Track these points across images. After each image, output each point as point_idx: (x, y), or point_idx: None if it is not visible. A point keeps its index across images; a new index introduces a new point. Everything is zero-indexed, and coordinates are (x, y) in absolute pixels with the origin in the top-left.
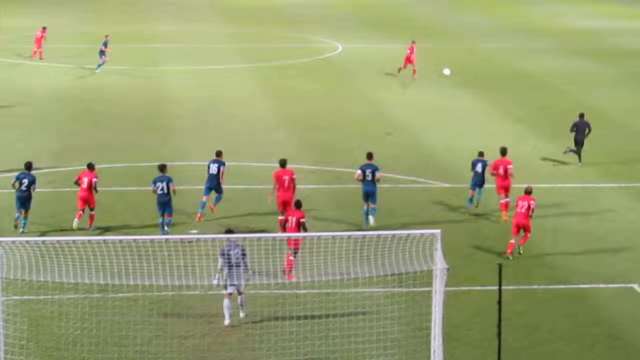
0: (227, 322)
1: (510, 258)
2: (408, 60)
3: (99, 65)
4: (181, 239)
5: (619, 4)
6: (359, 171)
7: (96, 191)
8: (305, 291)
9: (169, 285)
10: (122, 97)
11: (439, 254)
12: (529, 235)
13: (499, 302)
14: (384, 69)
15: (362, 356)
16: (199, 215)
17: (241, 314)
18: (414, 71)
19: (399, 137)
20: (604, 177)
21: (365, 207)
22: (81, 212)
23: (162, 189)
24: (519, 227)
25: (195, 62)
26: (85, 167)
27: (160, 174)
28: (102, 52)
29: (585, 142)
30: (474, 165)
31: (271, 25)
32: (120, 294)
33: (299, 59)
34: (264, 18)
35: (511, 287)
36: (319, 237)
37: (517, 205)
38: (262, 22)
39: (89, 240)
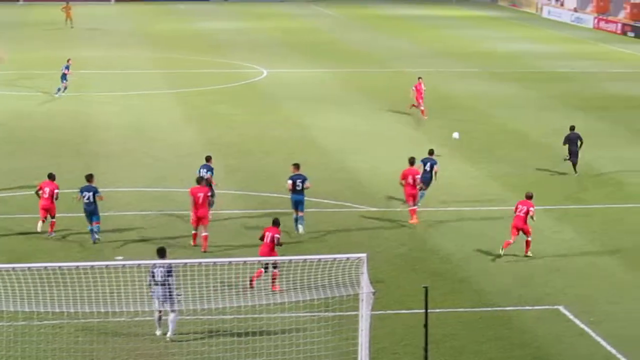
0: (158, 332)
1: (502, 254)
2: (419, 98)
3: (59, 90)
4: (106, 265)
5: (542, 28)
6: (290, 181)
7: (57, 199)
8: (232, 316)
9: (94, 312)
10: (48, 123)
11: (365, 278)
12: (529, 239)
13: (426, 325)
14: (309, 94)
15: None
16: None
17: (168, 333)
18: (422, 112)
19: (326, 161)
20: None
21: (294, 215)
22: (44, 219)
23: (89, 198)
24: (517, 230)
25: (121, 87)
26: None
27: (87, 184)
28: (64, 76)
29: (579, 153)
30: (423, 163)
31: (196, 50)
32: (46, 322)
33: (224, 84)
34: (189, 44)
35: (438, 310)
36: (244, 262)
37: (516, 209)
38: (187, 47)
39: (13, 268)
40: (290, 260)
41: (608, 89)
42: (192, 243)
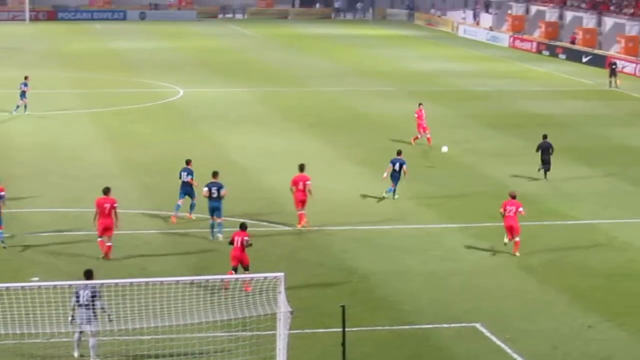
0: (75, 354)
1: (506, 243)
2: (421, 126)
3: (17, 107)
4: (22, 286)
5: (458, 47)
6: (206, 188)
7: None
8: (149, 337)
9: (10, 334)
10: None
11: (282, 297)
12: (518, 240)
13: (343, 344)
14: (226, 113)
15: None
16: (172, 217)
17: (91, 358)
18: (429, 139)
19: (242, 181)
20: (444, 218)
21: (211, 222)
22: None
23: None
24: (511, 228)
25: (36, 107)
26: None
27: None
28: (23, 93)
29: (551, 160)
30: (392, 162)
31: (112, 70)
32: None
33: (140, 103)
34: (105, 63)
35: (355, 329)
36: (161, 282)
37: (505, 210)
38: (103, 67)
39: None
40: (208, 279)
41: (523, 107)
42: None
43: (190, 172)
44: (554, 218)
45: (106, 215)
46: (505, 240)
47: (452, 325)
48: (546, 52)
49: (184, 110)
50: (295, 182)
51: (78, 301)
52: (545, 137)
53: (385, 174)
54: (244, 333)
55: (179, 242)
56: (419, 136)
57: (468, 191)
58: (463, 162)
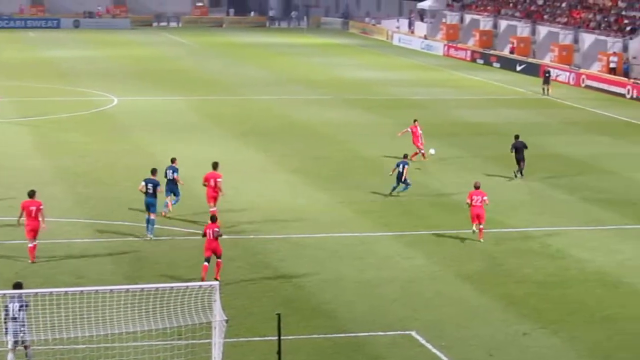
0: None
1: (474, 231)
2: (417, 140)
3: None
4: None
5: (392, 55)
6: (143, 183)
7: None
8: (84, 346)
9: None
10: None
11: (217, 306)
12: (482, 227)
13: (279, 353)
14: (160, 122)
15: None
16: (163, 213)
17: None
18: (423, 154)
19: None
20: (380, 226)
21: (147, 216)
22: None
23: None
24: (478, 216)
25: None
26: None
27: None
28: None
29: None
30: (397, 165)
31: (46, 78)
32: None
33: (74, 112)
34: (38, 72)
35: (291, 337)
36: (96, 291)
37: (471, 200)
38: (37, 75)
39: None
40: (143, 288)
41: (458, 116)
42: (30, 259)
43: (175, 170)
44: (489, 226)
45: (33, 218)
46: (474, 228)
47: (388, 333)
48: (480, 61)
49: (118, 118)
50: (206, 179)
51: (7, 314)
52: (517, 137)
53: (390, 173)
54: (179, 342)
55: (115, 250)
56: (418, 152)
57: (404, 199)
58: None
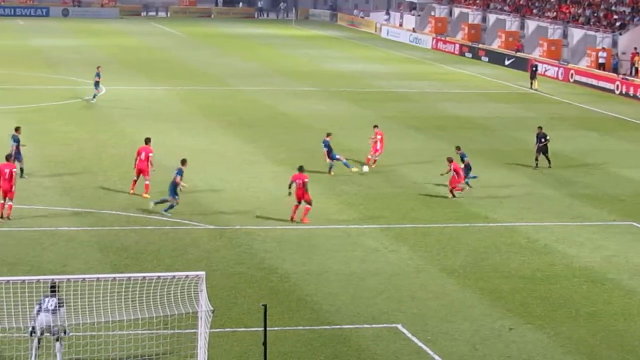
0: None
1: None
2: (376, 149)
3: None
4: None
5: (380, 48)
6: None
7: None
8: (71, 334)
9: None
10: None
11: (203, 296)
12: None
13: (264, 344)
14: (147, 111)
15: None
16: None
17: None
18: (375, 161)
19: (162, 179)
20: (365, 219)
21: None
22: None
23: None
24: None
25: None
26: None
27: None
28: None
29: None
30: (462, 156)
31: (32, 67)
32: None
33: (60, 101)
34: (25, 60)
35: (276, 328)
36: (83, 279)
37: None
38: (23, 64)
39: None
40: (130, 277)
41: (445, 109)
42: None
43: (179, 172)
44: (475, 220)
45: (6, 180)
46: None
47: (373, 325)
48: (469, 55)
49: (105, 108)
50: (139, 152)
51: (40, 307)
52: (540, 128)
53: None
54: (165, 331)
55: (101, 239)
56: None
57: (389, 192)
58: (384, 163)
